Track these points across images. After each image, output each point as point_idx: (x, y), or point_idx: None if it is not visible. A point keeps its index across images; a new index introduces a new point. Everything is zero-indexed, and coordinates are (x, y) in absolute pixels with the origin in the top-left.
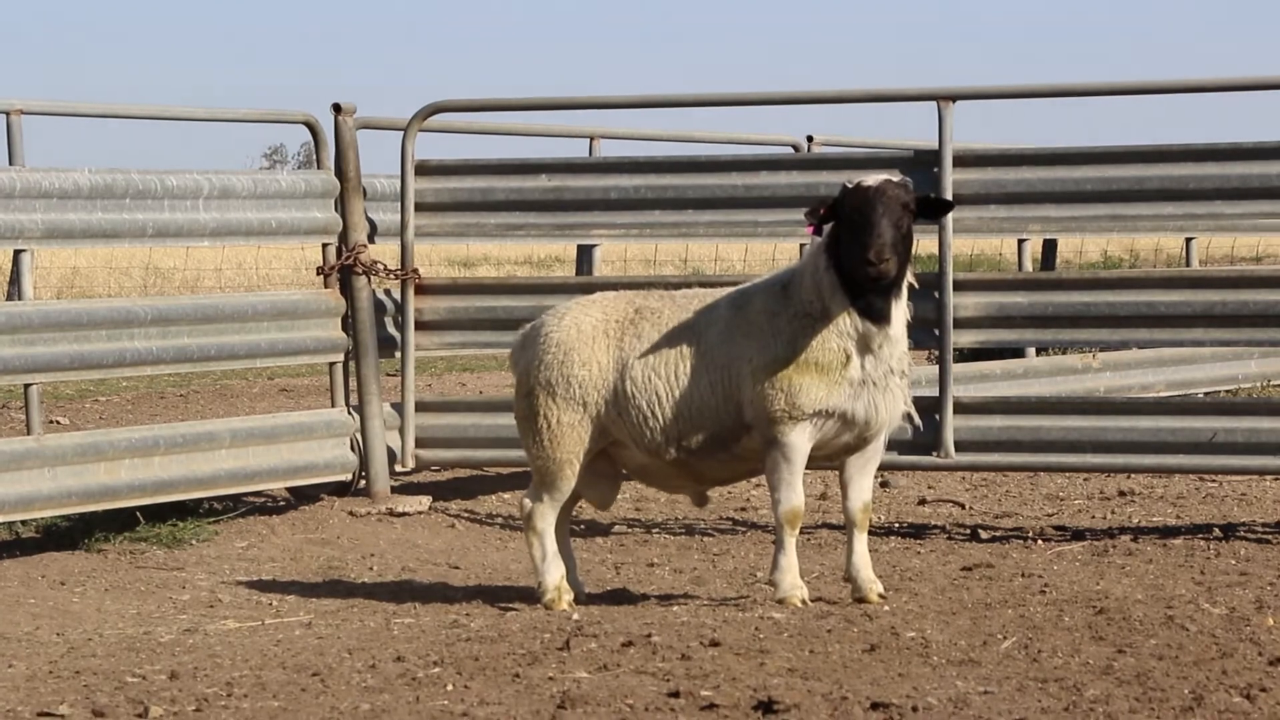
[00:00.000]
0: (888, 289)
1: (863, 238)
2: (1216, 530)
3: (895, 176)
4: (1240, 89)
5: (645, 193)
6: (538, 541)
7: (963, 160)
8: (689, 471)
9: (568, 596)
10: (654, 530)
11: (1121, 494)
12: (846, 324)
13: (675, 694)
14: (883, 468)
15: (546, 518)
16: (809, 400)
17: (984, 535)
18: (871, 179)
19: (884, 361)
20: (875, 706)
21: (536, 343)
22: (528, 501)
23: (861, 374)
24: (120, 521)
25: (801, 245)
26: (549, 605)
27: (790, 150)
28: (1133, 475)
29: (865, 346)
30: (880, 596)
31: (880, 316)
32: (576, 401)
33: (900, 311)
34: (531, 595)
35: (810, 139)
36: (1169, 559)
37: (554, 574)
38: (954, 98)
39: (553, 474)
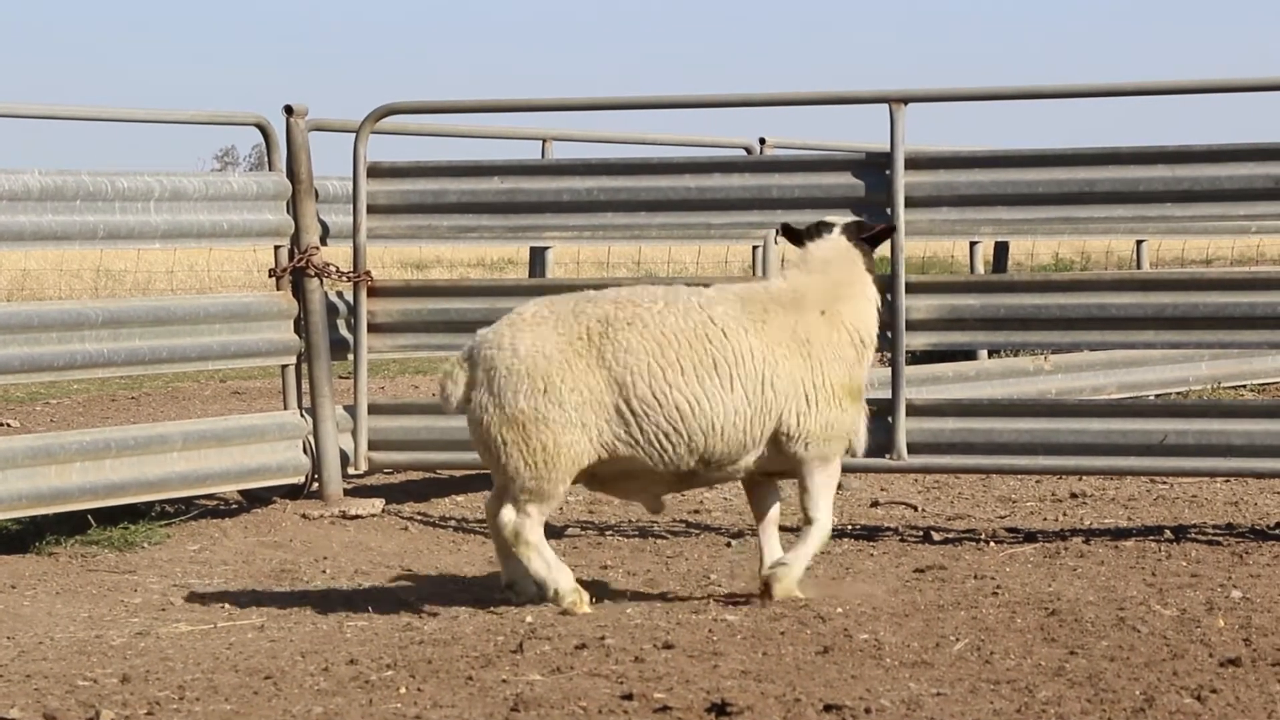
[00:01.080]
0: None
1: None
2: (1168, 532)
3: (852, 218)
4: (1191, 92)
5: (598, 195)
6: (536, 554)
7: (915, 163)
8: (686, 482)
9: (586, 596)
10: (607, 533)
11: (1073, 496)
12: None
13: (629, 696)
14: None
15: (538, 529)
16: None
17: (936, 537)
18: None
19: None
20: (828, 709)
21: (501, 376)
22: (513, 516)
23: None
24: (71, 525)
25: (754, 247)
26: (571, 609)
27: (743, 152)
28: (1084, 477)
29: None
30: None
31: None
32: (575, 424)
33: None
34: (483, 599)
35: (763, 141)
36: (1121, 561)
37: (566, 578)
38: (906, 100)
39: (546, 491)
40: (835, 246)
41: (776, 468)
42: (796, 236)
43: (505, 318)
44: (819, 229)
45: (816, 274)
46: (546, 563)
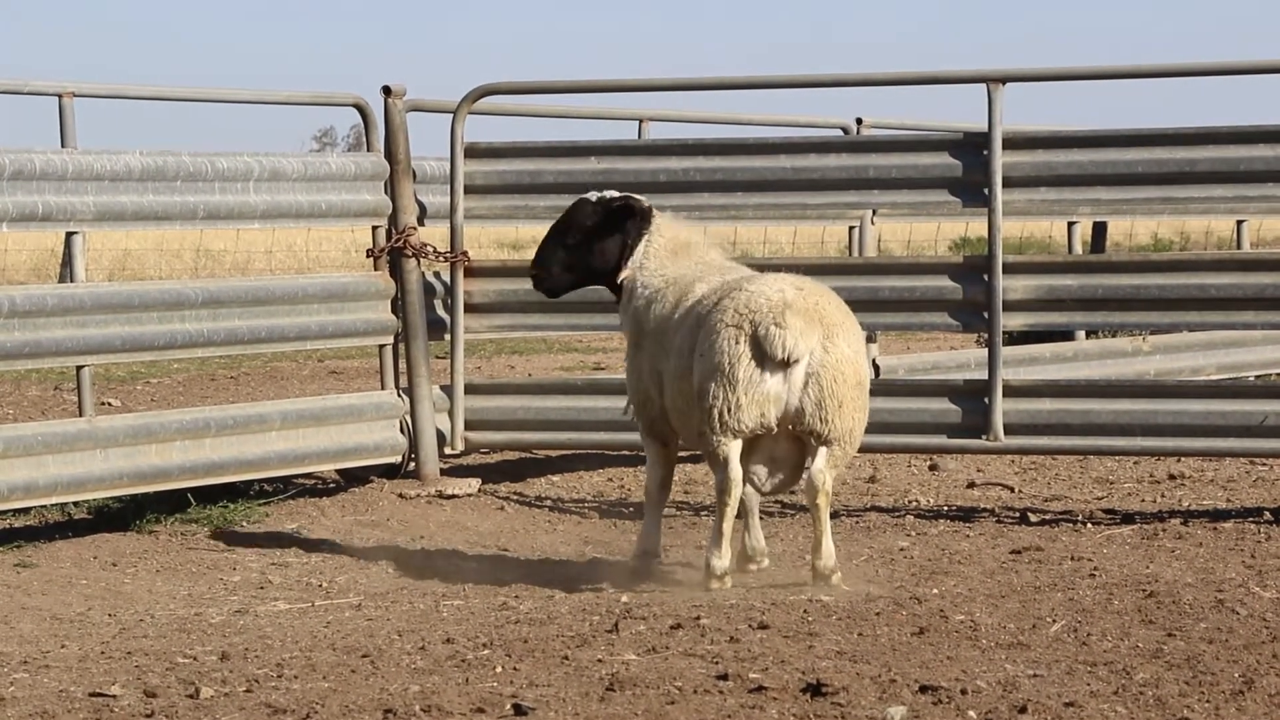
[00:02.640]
0: None
1: None
2: (1267, 514)
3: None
4: None
5: (694, 175)
6: None
7: (1013, 143)
8: None
9: None
10: (702, 513)
11: (1172, 477)
12: None
13: (724, 676)
14: (932, 450)
15: None
16: None
17: (1033, 518)
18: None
19: None
20: (924, 689)
21: None
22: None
23: None
24: (171, 503)
25: (851, 228)
26: None
27: (840, 133)
28: (1183, 459)
29: None
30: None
31: None
32: None
33: None
34: (578, 579)
35: (859, 121)
36: (1219, 542)
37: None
38: (1004, 79)
39: None
40: None
41: None
42: None
43: None
44: None
45: None
46: None
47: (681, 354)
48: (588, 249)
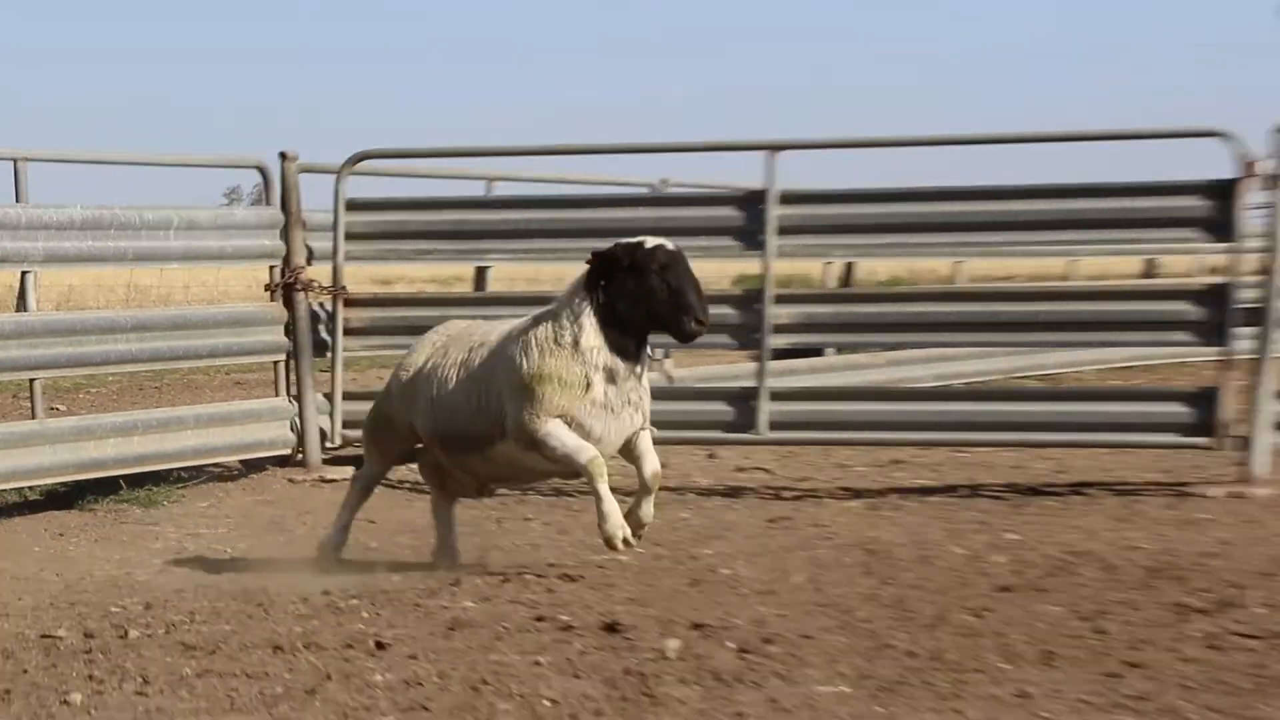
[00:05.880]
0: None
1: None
2: (964, 489)
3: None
4: (999, 142)
5: (531, 224)
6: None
7: (785, 198)
8: None
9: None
10: (529, 491)
11: (894, 461)
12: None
13: (540, 618)
14: (711, 442)
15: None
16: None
17: (786, 495)
18: (661, 241)
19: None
20: (695, 626)
21: None
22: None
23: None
24: (107, 487)
25: None
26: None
27: (647, 190)
28: (904, 448)
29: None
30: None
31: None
32: None
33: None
34: (429, 545)
35: (664, 181)
36: (926, 512)
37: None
38: (779, 148)
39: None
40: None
41: None
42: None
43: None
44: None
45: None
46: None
47: None
48: None
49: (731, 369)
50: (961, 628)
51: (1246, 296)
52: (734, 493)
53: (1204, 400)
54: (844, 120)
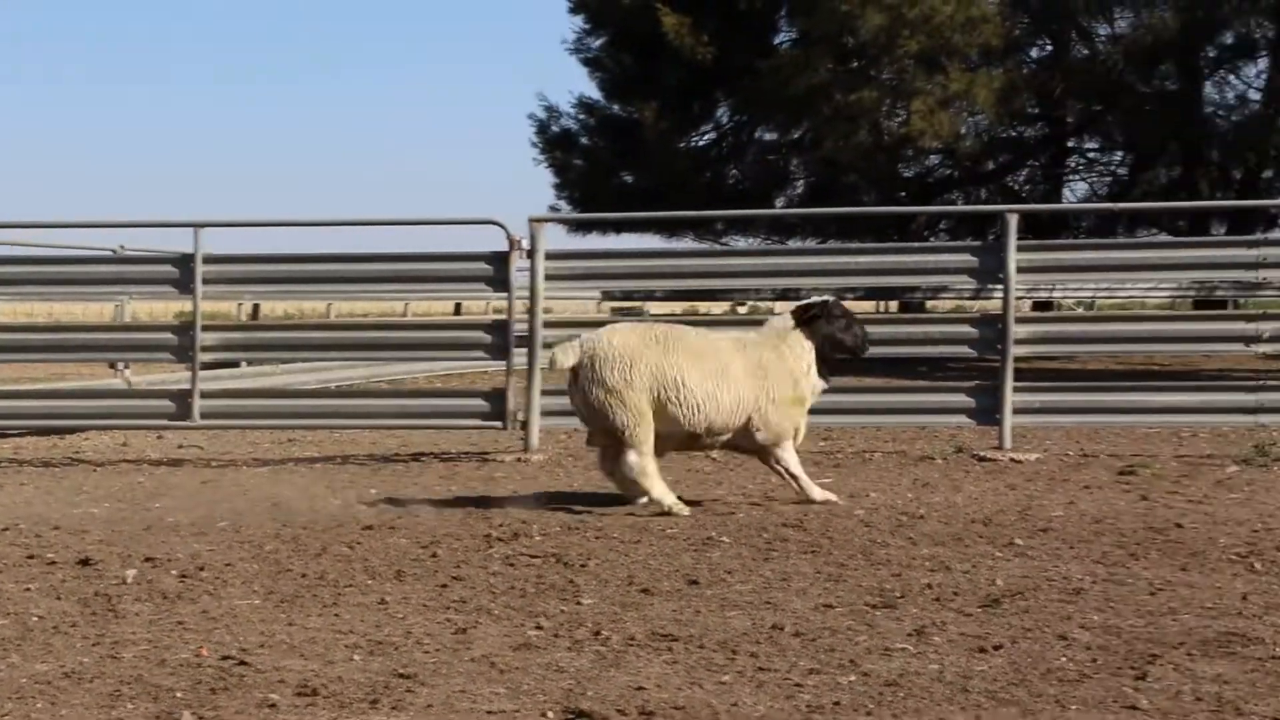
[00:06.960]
0: None
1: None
2: (339, 458)
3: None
4: (365, 224)
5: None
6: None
7: (209, 259)
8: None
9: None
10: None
11: (290, 440)
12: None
13: (31, 556)
14: (155, 429)
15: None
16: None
17: (214, 464)
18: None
19: None
20: (148, 559)
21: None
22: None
23: None
24: None
25: (115, 305)
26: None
27: (112, 252)
28: (297, 430)
29: None
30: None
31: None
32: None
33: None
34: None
35: (121, 247)
36: (313, 475)
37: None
38: (202, 225)
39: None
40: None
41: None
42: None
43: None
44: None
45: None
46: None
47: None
48: None
49: (174, 375)
50: (339, 556)
51: (519, 328)
52: (176, 463)
53: (497, 397)
54: (270, 203)
